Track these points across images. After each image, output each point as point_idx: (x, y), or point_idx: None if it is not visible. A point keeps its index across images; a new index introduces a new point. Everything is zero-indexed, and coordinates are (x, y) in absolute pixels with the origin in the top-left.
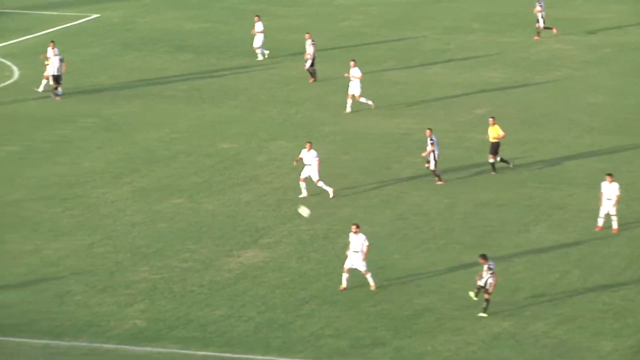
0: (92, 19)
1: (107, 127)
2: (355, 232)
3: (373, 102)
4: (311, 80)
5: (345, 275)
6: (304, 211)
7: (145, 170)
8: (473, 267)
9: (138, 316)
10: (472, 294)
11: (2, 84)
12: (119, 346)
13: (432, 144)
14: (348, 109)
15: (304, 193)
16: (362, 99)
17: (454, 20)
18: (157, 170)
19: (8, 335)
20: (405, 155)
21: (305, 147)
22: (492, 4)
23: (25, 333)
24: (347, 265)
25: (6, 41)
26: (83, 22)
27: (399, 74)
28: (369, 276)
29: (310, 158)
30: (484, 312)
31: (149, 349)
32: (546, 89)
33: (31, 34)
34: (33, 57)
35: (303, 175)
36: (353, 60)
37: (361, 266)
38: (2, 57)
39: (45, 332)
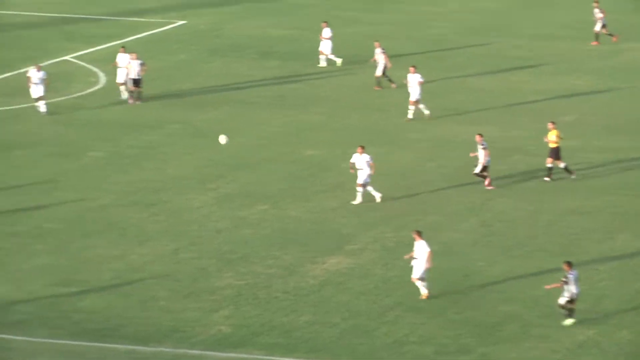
0: (179, 25)
1: (193, 133)
2: (417, 239)
3: (429, 111)
4: (376, 87)
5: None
6: (222, 139)
7: (231, 176)
8: (557, 274)
9: (223, 322)
10: (567, 322)
11: (89, 90)
12: (203, 352)
13: (483, 149)
14: (426, 112)
15: (377, 197)
16: (414, 107)
17: (539, 27)
18: (242, 177)
19: (93, 341)
20: (490, 162)
21: (357, 152)
22: (578, 12)
23: (110, 338)
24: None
25: (93, 47)
26: (169, 28)
27: (484, 81)
28: (419, 284)
29: (362, 162)
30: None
31: (233, 355)
32: (631, 96)
33: (117, 40)
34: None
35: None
36: (413, 67)
37: (416, 272)
38: (89, 63)
39: (130, 337)
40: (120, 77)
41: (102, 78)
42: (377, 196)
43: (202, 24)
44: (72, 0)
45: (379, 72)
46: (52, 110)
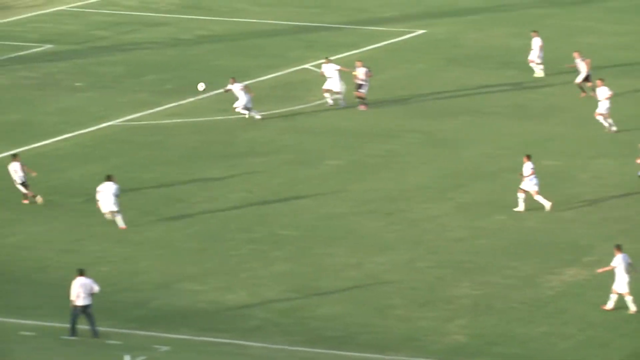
0: (419, 34)
1: (432, 142)
2: (616, 254)
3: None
4: (582, 94)
5: (612, 297)
6: (201, 86)
7: (469, 186)
8: None
9: (459, 331)
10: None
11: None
12: None
13: None
14: (611, 128)
15: (521, 206)
16: (601, 119)
17: None
18: (480, 186)
19: (329, 348)
20: None
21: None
22: None
23: (347, 346)
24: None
25: (332, 56)
26: (409, 37)
27: None
28: (628, 299)
29: (526, 170)
30: None
31: None
32: None
33: (358, 49)
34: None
35: (523, 187)
36: (600, 80)
37: (617, 286)
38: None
39: (366, 345)
40: (328, 85)
41: (342, 87)
42: (522, 207)
43: (442, 34)
44: (313, 9)
45: (578, 79)
46: (290, 117)
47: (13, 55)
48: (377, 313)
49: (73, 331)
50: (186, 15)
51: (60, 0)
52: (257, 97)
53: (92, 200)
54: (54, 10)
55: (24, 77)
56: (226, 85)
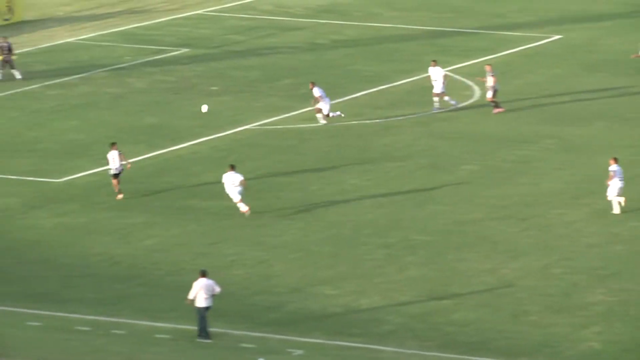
0: (554, 40)
1: (568, 148)
2: None
3: None
4: None
5: None
6: (204, 108)
7: (604, 192)
8: None
9: (593, 338)
10: None
11: (463, 104)
12: None
13: None
14: None
15: (616, 209)
16: None
17: None
18: None
19: (463, 354)
20: None
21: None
22: None
23: (480, 351)
24: None
25: (467, 61)
26: (545, 43)
27: None
28: None
29: (612, 172)
30: None
31: None
32: None
33: (494, 54)
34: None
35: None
36: None
37: None
38: (464, 77)
39: (500, 351)
40: (437, 89)
41: (477, 92)
42: (617, 210)
43: (578, 39)
44: (448, 13)
45: None
46: (425, 122)
47: (150, 58)
48: (511, 319)
49: (206, 334)
50: (322, 19)
51: (196, 4)
52: (391, 102)
53: (228, 203)
54: (190, 14)
55: (160, 80)
56: (313, 90)
